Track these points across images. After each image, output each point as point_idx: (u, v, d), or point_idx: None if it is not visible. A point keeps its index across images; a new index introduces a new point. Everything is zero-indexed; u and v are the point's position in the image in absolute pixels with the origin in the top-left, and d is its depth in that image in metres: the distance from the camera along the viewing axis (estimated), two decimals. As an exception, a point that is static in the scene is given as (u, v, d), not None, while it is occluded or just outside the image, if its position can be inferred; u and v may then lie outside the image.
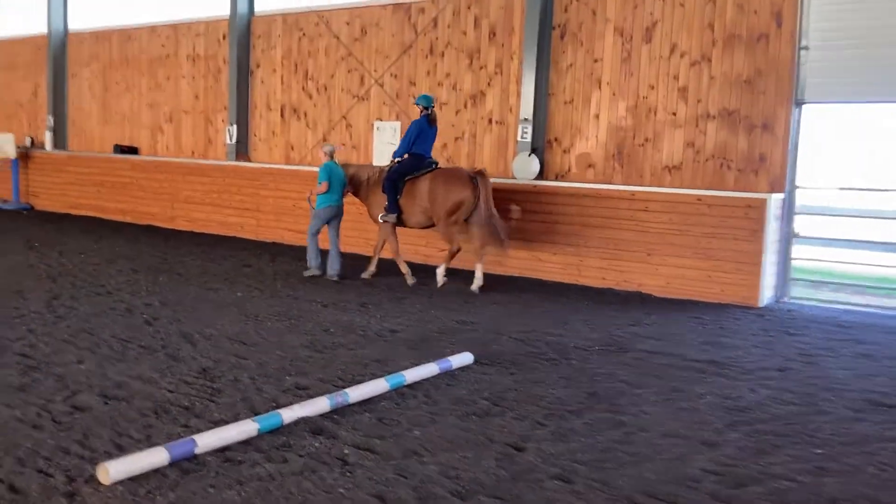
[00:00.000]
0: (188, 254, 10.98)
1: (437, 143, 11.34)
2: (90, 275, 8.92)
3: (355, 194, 9.62)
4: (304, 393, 4.91)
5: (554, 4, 10.34)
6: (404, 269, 9.21)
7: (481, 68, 11.06)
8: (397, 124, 11.90)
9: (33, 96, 17.72)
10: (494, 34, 10.91)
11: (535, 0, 10.22)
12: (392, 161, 9.17)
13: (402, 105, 11.82)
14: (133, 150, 15.30)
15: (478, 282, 8.85)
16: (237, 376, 5.18)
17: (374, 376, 5.26)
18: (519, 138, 10.45)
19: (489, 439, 4.23)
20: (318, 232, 9.18)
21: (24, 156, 16.75)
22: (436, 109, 9.25)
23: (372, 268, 9.38)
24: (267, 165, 12.84)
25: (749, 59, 9.11)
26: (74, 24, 16.64)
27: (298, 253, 10.78)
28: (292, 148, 13.26)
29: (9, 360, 5.31)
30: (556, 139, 10.50)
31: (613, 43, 9.99)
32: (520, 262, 10.08)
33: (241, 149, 13.56)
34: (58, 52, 16.59)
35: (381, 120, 12.11)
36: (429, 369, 5.36)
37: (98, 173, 15.30)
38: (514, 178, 10.44)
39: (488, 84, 11.01)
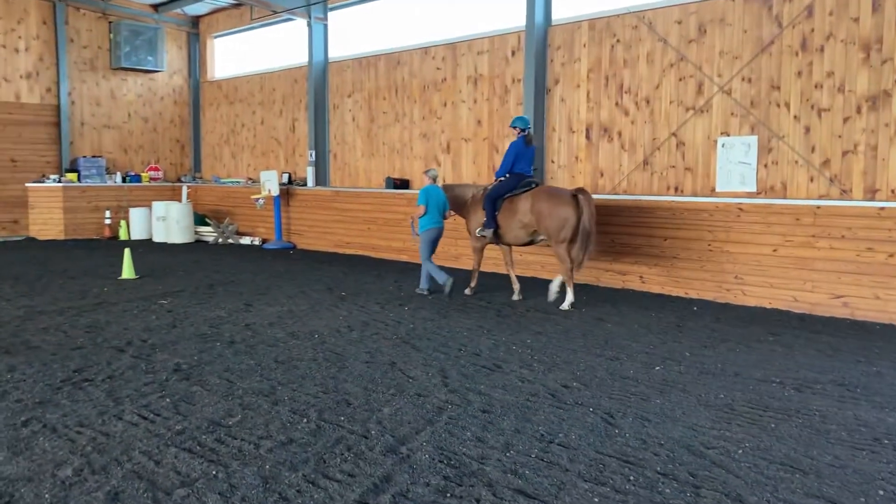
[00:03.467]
0: (511, 303, 9.35)
1: (818, 160, 9.10)
2: (443, 336, 7.42)
3: (458, 211, 10.05)
4: None
5: None
6: (474, 283, 9.93)
7: (884, 63, 8.61)
8: (752, 139, 9.68)
9: (290, 131, 17.20)
10: (905, 17, 8.45)
11: (981, -35, 7.70)
12: (495, 180, 9.57)
13: (760, 115, 9.59)
14: (405, 184, 14.13)
15: (569, 299, 8.99)
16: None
17: None
18: (963, 149, 7.89)
19: None
20: (431, 255, 9.77)
21: (285, 193, 16.21)
22: (531, 132, 9.48)
23: (516, 285, 9.73)
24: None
25: None
26: (334, 53, 15.88)
27: (636, 299, 8.83)
28: (601, 174, 11.37)
29: (503, 497, 3.64)
30: None
31: None
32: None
33: (537, 176, 11.88)
34: (318, 83, 15.86)
35: (728, 135, 9.95)
36: None
37: (368, 209, 14.29)
38: (953, 201, 7.90)
39: (895, 83, 8.55)
